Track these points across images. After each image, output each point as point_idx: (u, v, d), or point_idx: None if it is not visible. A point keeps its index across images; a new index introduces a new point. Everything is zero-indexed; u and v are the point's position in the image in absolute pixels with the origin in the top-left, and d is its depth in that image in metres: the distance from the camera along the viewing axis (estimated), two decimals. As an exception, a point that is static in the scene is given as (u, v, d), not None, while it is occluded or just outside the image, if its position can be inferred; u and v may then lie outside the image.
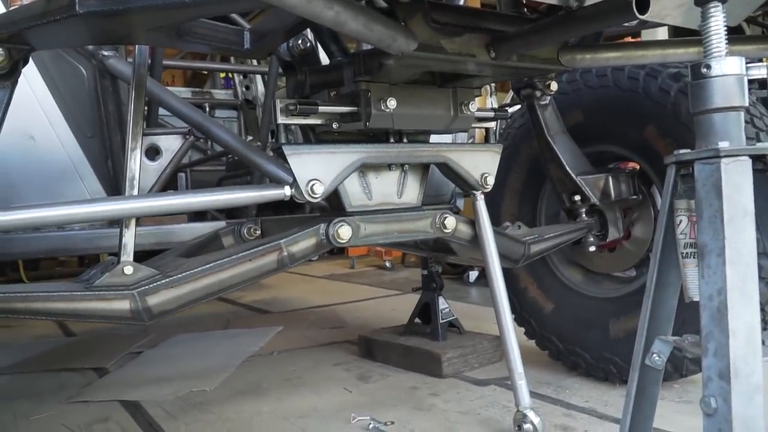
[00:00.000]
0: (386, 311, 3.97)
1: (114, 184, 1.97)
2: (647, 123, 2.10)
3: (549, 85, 2.10)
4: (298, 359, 2.88)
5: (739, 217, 0.81)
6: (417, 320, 2.84)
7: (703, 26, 0.88)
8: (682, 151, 0.91)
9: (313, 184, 1.39)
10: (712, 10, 0.87)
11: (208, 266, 1.41)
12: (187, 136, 2.06)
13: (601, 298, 2.34)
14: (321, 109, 1.40)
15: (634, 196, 2.23)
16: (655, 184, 2.20)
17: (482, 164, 1.67)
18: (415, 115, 1.49)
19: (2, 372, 2.87)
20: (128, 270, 1.39)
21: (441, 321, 2.70)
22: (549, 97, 2.17)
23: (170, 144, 2.05)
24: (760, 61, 5.01)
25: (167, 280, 1.38)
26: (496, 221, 2.48)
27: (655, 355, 1.01)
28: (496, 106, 3.03)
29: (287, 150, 1.37)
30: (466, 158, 1.63)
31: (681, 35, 1.59)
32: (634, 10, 0.94)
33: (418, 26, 1.19)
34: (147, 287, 1.37)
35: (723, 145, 0.84)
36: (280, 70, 2.70)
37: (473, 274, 4.86)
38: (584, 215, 2.24)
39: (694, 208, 0.92)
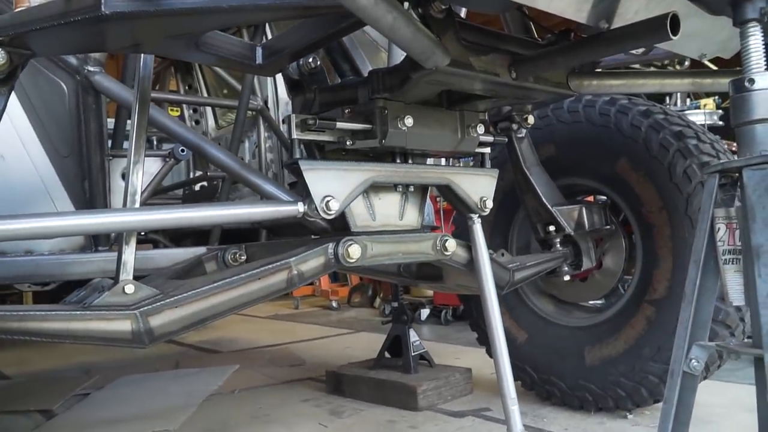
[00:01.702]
0: (341, 349, 3.90)
1: (90, 205, 1.87)
2: (619, 157, 2.20)
3: (526, 118, 2.17)
4: (262, 397, 2.77)
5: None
6: (386, 354, 2.80)
7: (743, 44, 0.94)
8: (724, 160, 0.95)
9: (329, 201, 1.37)
10: (751, 29, 0.94)
11: (214, 285, 1.34)
12: (167, 159, 1.99)
13: (575, 327, 2.39)
14: (338, 125, 1.39)
15: (607, 227, 2.32)
16: (626, 215, 2.29)
17: (481, 188, 1.70)
18: (427, 135, 1.51)
19: (-67, 417, 2.61)
20: (129, 289, 1.31)
21: (413, 354, 2.68)
22: (525, 131, 2.24)
23: (149, 166, 1.97)
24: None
25: (171, 299, 1.31)
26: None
27: (693, 360, 1.03)
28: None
29: (303, 165, 1.34)
30: (467, 181, 1.66)
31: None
32: (668, 30, 1.00)
33: (450, 42, 1.22)
34: (149, 307, 1.29)
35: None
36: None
37: (425, 312, 4.86)
38: (558, 245, 2.30)
39: (734, 216, 0.97)
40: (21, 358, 4.03)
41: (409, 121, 1.42)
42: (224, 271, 1.45)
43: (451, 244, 1.66)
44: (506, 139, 1.94)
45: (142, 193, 1.85)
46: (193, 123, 4.46)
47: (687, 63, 1.85)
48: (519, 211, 2.54)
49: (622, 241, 2.35)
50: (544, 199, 2.25)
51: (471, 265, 1.77)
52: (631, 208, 2.22)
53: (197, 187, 3.37)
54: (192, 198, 3.24)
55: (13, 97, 1.84)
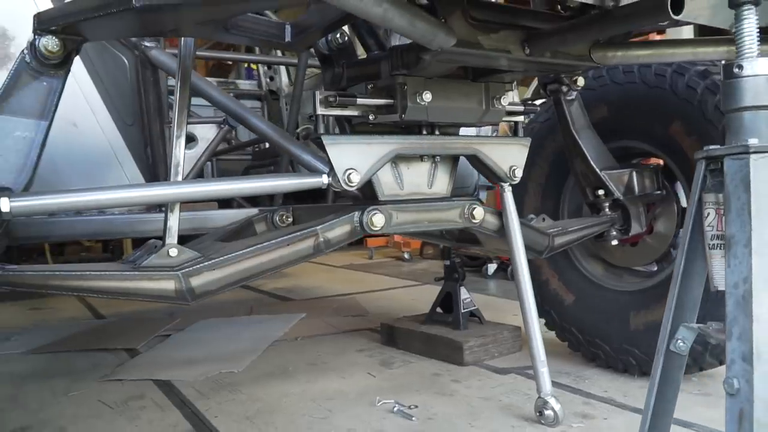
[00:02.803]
0: (406, 301, 4.03)
1: (153, 171, 2.05)
2: (673, 120, 2.13)
3: (576, 80, 2.14)
4: (322, 345, 2.95)
5: (765, 210, 0.86)
6: (439, 309, 2.89)
7: (736, 27, 0.93)
8: (712, 147, 0.96)
9: (350, 173, 1.45)
10: (746, 12, 0.92)
11: (248, 250, 1.47)
12: (222, 126, 2.13)
13: (622, 291, 2.38)
14: (359, 101, 1.45)
15: (658, 192, 2.27)
16: (679, 181, 2.23)
17: (511, 157, 1.72)
18: (449, 108, 1.55)
19: (39, 351, 2.97)
20: (173, 252, 1.46)
21: (462, 311, 2.76)
22: (575, 93, 2.21)
23: (205, 133, 2.12)
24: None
25: (210, 262, 1.45)
26: (519, 214, 2.53)
27: (679, 341, 1.06)
28: (517, 99, 3.06)
29: (326, 140, 1.43)
30: (496, 151, 1.69)
31: (706, 33, 1.62)
32: (669, 10, 0.99)
33: (457, 23, 1.24)
34: (191, 269, 1.44)
35: (752, 141, 0.88)
36: (309, 61, 2.77)
37: (492, 267, 4.91)
38: (607, 210, 2.28)
39: (722, 202, 0.97)
40: (116, 300, 4.45)
41: (427, 96, 1.46)
42: (259, 236, 1.58)
43: (479, 212, 1.71)
44: (537, 108, 1.93)
45: (199, 158, 2.01)
46: (268, 79, 4.62)
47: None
48: (571, 175, 2.52)
49: (674, 206, 2.30)
50: (592, 162, 2.23)
51: (502, 231, 1.82)
52: (684, 173, 2.16)
53: (267, 144, 3.54)
54: (260, 155, 3.40)
55: (83, 70, 2.03)
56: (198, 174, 2.29)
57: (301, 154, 1.70)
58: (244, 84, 4.71)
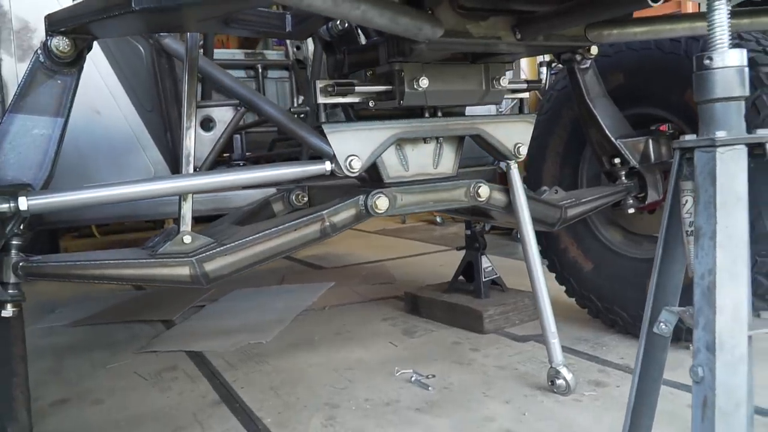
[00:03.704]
0: (434, 267, 4.09)
1: (173, 154, 2.13)
2: (688, 86, 2.09)
3: (589, 49, 2.12)
4: (348, 314, 3.04)
5: (731, 204, 0.87)
6: (461, 278, 2.94)
7: (708, 19, 0.93)
8: (687, 137, 0.97)
9: (351, 160, 1.49)
10: (717, 3, 0.92)
11: (258, 235, 1.54)
12: (239, 107, 2.19)
13: (641, 258, 2.39)
14: (357, 89, 1.48)
15: (675, 159, 2.24)
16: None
17: (516, 135, 1.73)
18: (448, 91, 1.57)
19: (80, 323, 3.15)
20: (187, 239, 1.54)
21: (484, 279, 2.80)
22: (589, 61, 2.18)
23: (223, 115, 2.18)
24: None
25: (222, 248, 1.53)
26: (537, 183, 2.54)
27: (662, 324, 1.08)
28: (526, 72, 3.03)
29: (326, 128, 1.47)
30: (500, 129, 1.70)
31: None
32: (648, -1, 0.98)
33: (444, 13, 1.26)
34: (204, 255, 1.52)
35: (720, 134, 0.89)
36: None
37: (522, 230, 4.91)
38: (624, 178, 2.27)
39: (697, 191, 0.99)
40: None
41: (424, 82, 1.48)
42: (270, 221, 1.64)
43: (485, 190, 1.73)
44: (541, 84, 1.92)
45: (218, 140, 2.08)
46: (294, 49, 4.64)
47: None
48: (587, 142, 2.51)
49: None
50: (607, 131, 2.22)
51: (510, 207, 1.84)
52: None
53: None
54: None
55: (104, 59, 2.11)
56: (219, 153, 2.36)
57: (309, 138, 1.74)
58: (272, 54, 4.74)
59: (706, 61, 0.92)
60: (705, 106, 0.94)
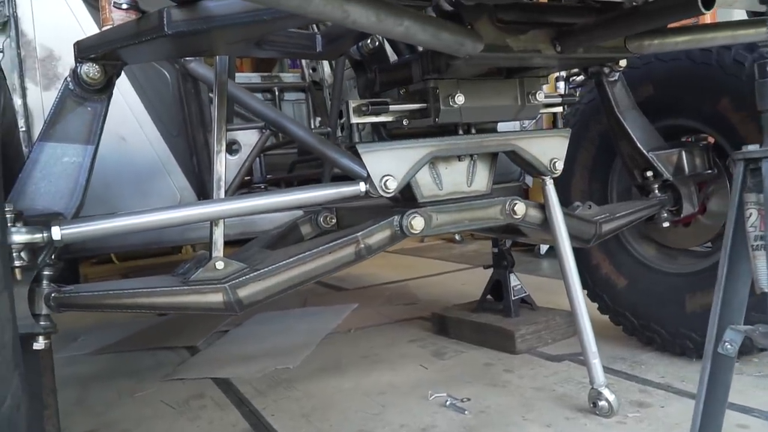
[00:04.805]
0: (457, 286, 4.04)
1: (200, 179, 2.11)
2: (721, 96, 2.05)
3: (618, 61, 2.08)
4: (374, 336, 2.99)
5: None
6: (489, 297, 2.89)
7: (771, 24, 0.88)
8: (750, 148, 0.92)
9: (387, 180, 1.46)
10: (781, 6, 0.88)
11: (291, 260, 1.50)
12: (264, 130, 2.17)
13: (676, 273, 2.32)
14: (391, 107, 1.45)
15: (709, 171, 2.19)
16: (730, 157, 2.15)
17: (551, 150, 1.69)
18: (483, 107, 1.53)
19: (104, 351, 3.12)
20: (219, 265, 1.50)
21: (513, 298, 2.75)
22: (618, 73, 2.15)
23: (248, 138, 2.16)
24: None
25: (255, 273, 1.49)
26: (566, 198, 2.49)
27: (727, 343, 1.03)
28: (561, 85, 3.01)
29: (361, 149, 1.44)
30: (535, 145, 1.66)
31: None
32: (700, 5, 0.94)
33: (484, 27, 1.23)
34: (237, 281, 1.48)
35: (792, 142, 0.85)
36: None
37: (544, 247, 4.85)
38: (657, 191, 2.22)
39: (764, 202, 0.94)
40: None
41: (460, 99, 1.45)
42: (302, 245, 1.60)
43: (521, 207, 1.69)
44: (575, 98, 1.88)
45: (243, 164, 2.05)
46: (310, 71, 4.65)
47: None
48: (618, 155, 2.46)
49: (727, 184, 2.21)
50: (639, 144, 2.17)
51: (546, 224, 1.80)
52: (736, 150, 2.08)
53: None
54: (305, 151, 3.43)
55: (129, 85, 2.10)
56: (244, 177, 2.34)
57: (339, 159, 1.71)
58: (288, 77, 4.74)
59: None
60: (771, 114, 0.89)
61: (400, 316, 3.33)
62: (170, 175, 2.14)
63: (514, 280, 2.79)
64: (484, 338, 2.69)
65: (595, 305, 2.58)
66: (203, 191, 2.12)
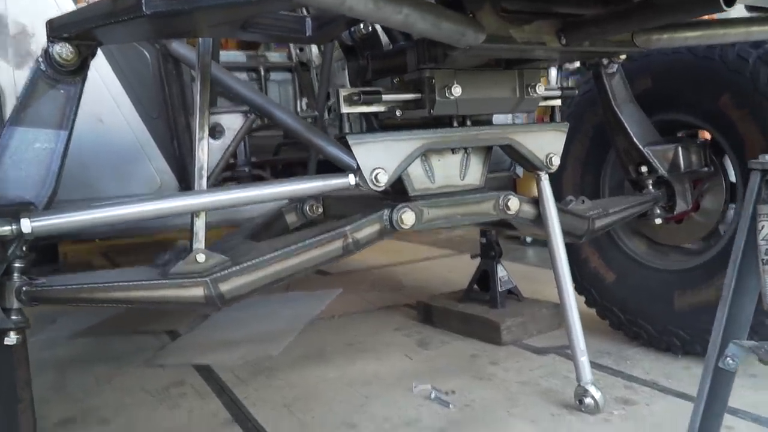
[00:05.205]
0: (443, 273, 4.00)
1: (180, 163, 2.03)
2: (722, 92, 2.00)
3: (619, 54, 2.02)
4: (359, 323, 2.95)
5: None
6: (475, 287, 2.85)
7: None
8: None
9: (378, 173, 1.40)
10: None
11: (276, 254, 1.44)
12: (248, 115, 2.09)
13: (666, 270, 2.30)
14: (384, 97, 1.39)
15: (705, 168, 2.15)
16: (728, 155, 2.11)
17: (547, 144, 1.64)
18: (480, 99, 1.47)
19: (83, 335, 3.05)
20: (201, 258, 1.43)
21: (500, 289, 2.71)
22: (617, 65, 2.09)
23: (232, 122, 2.08)
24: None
25: (238, 267, 1.43)
26: (558, 191, 2.44)
27: (729, 358, 1.00)
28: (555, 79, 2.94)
29: (351, 140, 1.37)
30: (531, 139, 1.60)
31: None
32: (721, 1, 0.88)
33: (487, 17, 1.16)
34: (219, 275, 1.42)
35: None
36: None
37: (530, 233, 4.82)
38: (651, 187, 2.18)
39: (778, 216, 0.89)
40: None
41: (457, 90, 1.38)
42: (288, 237, 1.54)
43: (515, 202, 1.64)
44: (575, 92, 1.82)
45: (227, 149, 1.98)
46: (298, 51, 4.53)
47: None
48: (612, 149, 2.41)
49: (722, 182, 2.18)
50: (635, 138, 2.13)
51: (539, 220, 1.75)
52: (734, 148, 2.04)
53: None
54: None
55: (107, 66, 2.01)
56: (228, 162, 2.26)
57: (327, 147, 1.64)
58: (274, 56, 4.62)
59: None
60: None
61: (384, 303, 3.29)
62: (150, 159, 2.05)
63: (501, 271, 2.75)
64: (470, 329, 2.66)
65: (582, 298, 2.55)
66: (184, 176, 2.04)
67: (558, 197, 2.06)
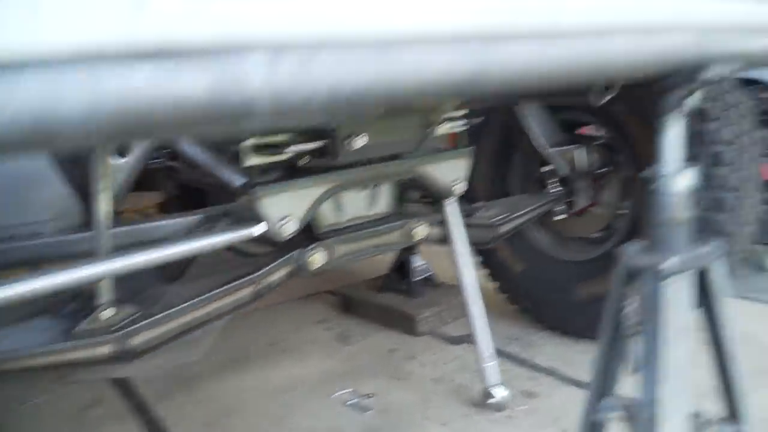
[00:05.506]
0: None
1: (84, 189, 1.94)
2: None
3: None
4: (279, 317, 2.93)
5: (678, 332, 0.88)
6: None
7: (658, 139, 0.90)
8: (630, 250, 0.95)
9: (285, 223, 1.40)
10: (669, 122, 0.89)
11: (186, 305, 1.44)
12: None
13: (568, 261, 2.44)
14: (290, 148, 1.38)
15: (605, 168, 2.27)
16: (620, 152, 2.23)
17: (452, 172, 1.68)
18: (384, 143, 1.49)
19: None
20: (107, 314, 1.41)
21: (416, 279, 2.79)
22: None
23: (136, 140, 2.00)
24: None
25: (148, 321, 1.42)
26: (468, 186, 2.51)
27: (601, 413, 1.10)
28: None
29: (257, 192, 1.36)
30: (437, 169, 1.64)
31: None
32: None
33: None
34: (129, 329, 1.41)
35: (666, 264, 0.88)
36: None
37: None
38: (554, 185, 2.29)
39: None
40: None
41: (360, 141, 1.39)
42: (201, 282, 1.53)
43: (420, 231, 1.69)
44: (480, 118, 1.87)
45: (134, 167, 1.90)
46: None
47: None
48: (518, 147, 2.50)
49: (619, 177, 2.31)
50: (539, 140, 2.21)
51: (446, 239, 1.81)
52: (625, 144, 2.16)
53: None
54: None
55: None
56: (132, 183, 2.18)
57: (230, 186, 1.62)
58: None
59: (657, 183, 0.90)
60: (655, 226, 0.92)
61: (306, 291, 3.30)
62: (49, 183, 1.95)
63: (417, 261, 2.83)
64: (388, 320, 2.74)
65: (495, 285, 2.67)
66: (88, 198, 1.95)
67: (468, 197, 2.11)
